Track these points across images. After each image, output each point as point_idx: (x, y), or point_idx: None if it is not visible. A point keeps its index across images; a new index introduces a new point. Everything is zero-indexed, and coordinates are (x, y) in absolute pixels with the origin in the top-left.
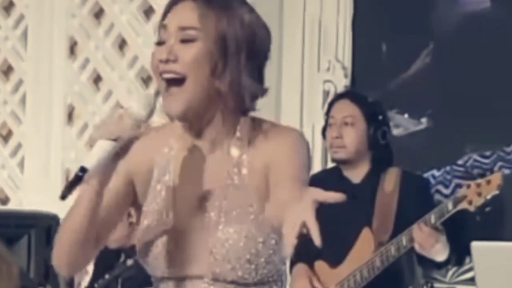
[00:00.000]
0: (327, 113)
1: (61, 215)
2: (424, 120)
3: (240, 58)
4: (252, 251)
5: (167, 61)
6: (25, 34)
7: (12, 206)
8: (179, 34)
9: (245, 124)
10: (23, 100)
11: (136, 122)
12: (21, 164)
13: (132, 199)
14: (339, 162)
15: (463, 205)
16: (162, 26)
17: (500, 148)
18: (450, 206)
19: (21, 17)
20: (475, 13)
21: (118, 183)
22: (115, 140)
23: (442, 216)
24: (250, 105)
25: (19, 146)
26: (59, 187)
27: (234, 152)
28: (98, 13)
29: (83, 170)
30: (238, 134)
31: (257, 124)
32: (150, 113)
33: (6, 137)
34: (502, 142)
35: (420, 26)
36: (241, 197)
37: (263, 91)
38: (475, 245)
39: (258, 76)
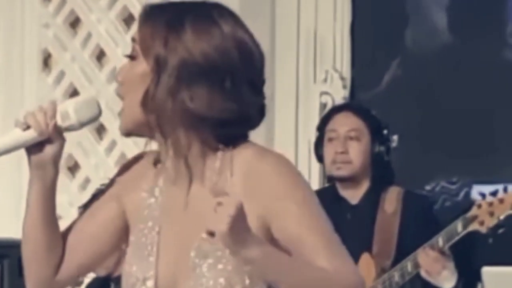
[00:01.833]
0: (322, 127)
1: None
2: (395, 137)
3: (177, 75)
4: None
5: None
6: None
7: None
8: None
9: (223, 157)
10: None
11: (63, 125)
12: None
13: (126, 229)
14: (341, 180)
15: (474, 226)
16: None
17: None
18: (459, 227)
19: None
20: None
21: (109, 214)
22: (25, 130)
23: (451, 238)
24: (216, 134)
25: None
26: None
27: (213, 188)
28: (74, 23)
29: None
30: (209, 174)
31: (236, 154)
32: (86, 119)
33: None
34: (473, 172)
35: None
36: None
37: (237, 117)
38: (487, 270)
39: (219, 90)
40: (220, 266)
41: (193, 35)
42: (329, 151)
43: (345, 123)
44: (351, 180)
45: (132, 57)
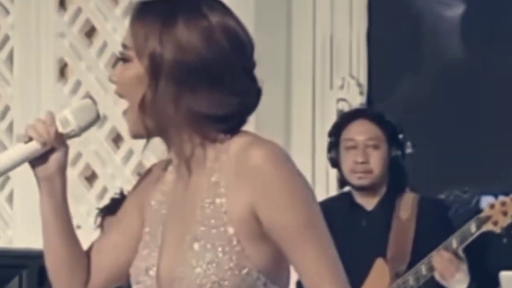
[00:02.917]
0: (337, 134)
1: None
2: (409, 144)
3: (176, 78)
4: None
5: (112, 82)
6: (10, 57)
7: (0, 244)
8: (122, 52)
9: (215, 149)
10: (10, 129)
11: (63, 131)
12: (9, 199)
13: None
14: (361, 189)
15: (488, 227)
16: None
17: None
18: (473, 228)
19: (6, 38)
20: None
21: (132, 222)
22: (27, 143)
23: (464, 240)
24: (217, 125)
25: (7, 179)
26: None
27: (206, 185)
28: (90, 32)
29: None
30: (208, 164)
31: (232, 144)
32: (86, 123)
33: None
34: (486, 182)
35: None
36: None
37: (238, 105)
38: (505, 275)
39: (220, 87)
40: (208, 246)
41: (187, 34)
42: (348, 160)
43: (363, 132)
44: (370, 188)
45: (124, 60)
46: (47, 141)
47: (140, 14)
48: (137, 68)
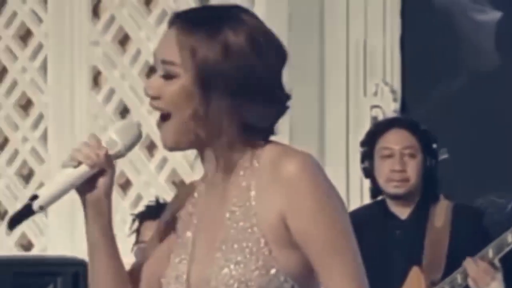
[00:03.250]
0: (371, 143)
1: None
2: (444, 150)
3: (224, 91)
4: None
5: (151, 97)
6: (44, 65)
7: (35, 252)
8: (162, 67)
9: (252, 156)
10: (44, 137)
11: (111, 152)
12: None
13: None
14: (397, 198)
15: None
16: (154, 55)
17: None
18: (510, 238)
19: (40, 47)
20: None
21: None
22: (77, 167)
23: (501, 250)
24: (258, 134)
25: (41, 187)
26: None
27: (238, 189)
28: (123, 40)
29: (34, 197)
30: (241, 171)
31: (265, 152)
32: (130, 143)
33: (27, 178)
34: None
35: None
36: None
37: (267, 119)
38: None
39: (257, 103)
40: (236, 246)
41: (235, 42)
42: (384, 169)
43: (399, 141)
44: (406, 197)
45: (168, 76)
46: (97, 164)
47: (183, 28)
48: (184, 82)
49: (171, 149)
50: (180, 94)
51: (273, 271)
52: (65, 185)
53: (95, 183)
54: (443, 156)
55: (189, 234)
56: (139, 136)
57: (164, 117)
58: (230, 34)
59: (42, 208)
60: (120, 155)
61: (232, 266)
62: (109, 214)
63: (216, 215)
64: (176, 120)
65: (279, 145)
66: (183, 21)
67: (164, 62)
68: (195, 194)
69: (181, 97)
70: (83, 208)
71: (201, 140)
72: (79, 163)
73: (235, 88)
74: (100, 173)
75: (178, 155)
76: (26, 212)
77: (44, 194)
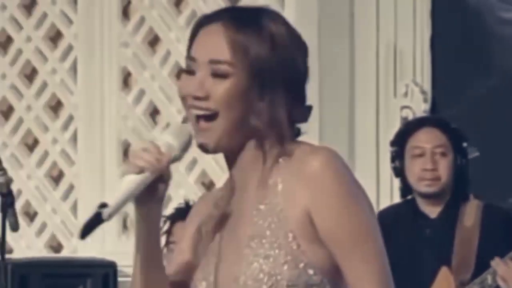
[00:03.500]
0: (402, 143)
1: (119, 262)
2: (475, 149)
3: (276, 86)
4: None
5: (196, 98)
6: (74, 67)
7: (65, 254)
8: (210, 67)
9: (279, 153)
10: (74, 138)
11: (168, 154)
12: (74, 208)
13: None
14: (428, 197)
15: None
16: (189, 57)
17: None
18: None
19: (70, 48)
20: None
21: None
22: (140, 173)
23: None
24: (290, 133)
25: (71, 188)
26: (115, 231)
27: (264, 187)
28: (153, 41)
29: (103, 206)
30: (267, 167)
31: (292, 150)
32: (185, 146)
33: (57, 179)
34: None
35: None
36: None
37: (304, 115)
38: None
39: (298, 98)
40: (264, 241)
41: (279, 37)
42: (415, 168)
43: (430, 140)
44: (437, 196)
45: (219, 75)
46: (158, 170)
47: (229, 26)
48: (238, 80)
49: (216, 150)
50: (234, 92)
51: (301, 264)
52: (130, 192)
53: (154, 189)
54: (474, 154)
55: (215, 236)
56: (191, 138)
57: (209, 118)
58: (273, 29)
59: (110, 216)
60: (176, 159)
61: (261, 261)
62: (159, 220)
63: (242, 214)
64: (225, 120)
65: (304, 143)
66: (227, 20)
67: (213, 61)
68: (218, 199)
69: (234, 96)
70: (137, 215)
71: (245, 139)
72: (141, 170)
73: (284, 82)
74: (158, 178)
75: (208, 156)
76: (96, 221)
77: (112, 202)
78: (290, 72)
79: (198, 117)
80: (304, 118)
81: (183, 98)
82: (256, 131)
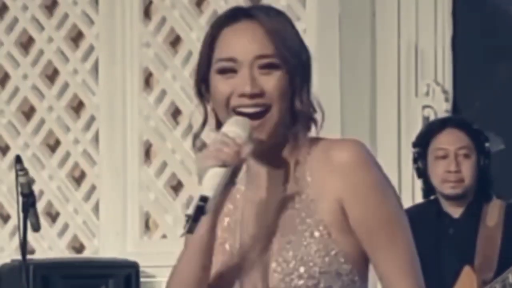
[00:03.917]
0: (424, 144)
1: (141, 263)
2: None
3: (307, 76)
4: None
5: (252, 95)
6: (96, 67)
7: (87, 254)
8: (256, 64)
9: (311, 143)
10: (95, 138)
11: (245, 147)
12: (96, 209)
13: None
14: (452, 198)
15: None
16: (228, 59)
17: None
18: None
19: (91, 49)
20: None
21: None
22: (222, 166)
23: None
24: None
25: (93, 189)
26: (137, 232)
27: (291, 179)
28: (174, 41)
29: (204, 199)
30: (301, 157)
31: (317, 142)
32: (250, 136)
33: (79, 180)
34: None
35: None
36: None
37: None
38: None
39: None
40: (297, 229)
41: (298, 32)
42: (439, 169)
43: (453, 141)
44: (461, 197)
45: (268, 70)
46: (239, 159)
47: (264, 22)
48: (282, 73)
49: (269, 143)
50: (282, 85)
51: (333, 252)
52: (219, 185)
53: (232, 180)
54: (500, 147)
55: (235, 229)
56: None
57: (262, 113)
58: (293, 24)
59: (211, 209)
60: (251, 150)
61: (294, 248)
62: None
63: (266, 207)
64: (277, 112)
65: (323, 138)
66: (259, 15)
67: (260, 57)
68: (234, 191)
69: (283, 88)
70: (212, 206)
71: (286, 129)
72: (224, 163)
73: (309, 74)
74: (236, 170)
75: None
76: (200, 215)
77: (210, 195)
78: (310, 64)
79: (251, 114)
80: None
81: (226, 100)
82: (293, 122)
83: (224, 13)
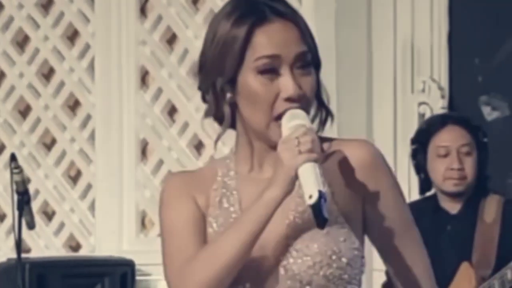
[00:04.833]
0: (424, 141)
1: (137, 261)
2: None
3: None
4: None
5: (299, 97)
6: (91, 65)
7: (83, 253)
8: (296, 61)
9: (323, 141)
10: (92, 137)
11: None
12: (92, 207)
13: None
14: (454, 195)
15: None
16: (271, 56)
17: None
18: None
19: (87, 47)
20: None
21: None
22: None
23: None
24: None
25: (89, 187)
26: (134, 230)
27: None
28: (171, 39)
29: (322, 194)
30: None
31: (329, 141)
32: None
33: (75, 178)
34: None
35: None
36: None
37: None
38: None
39: None
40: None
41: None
42: (440, 167)
43: (455, 139)
44: (462, 195)
45: (306, 69)
46: (321, 158)
47: (291, 19)
48: (315, 72)
49: None
50: (315, 84)
51: (356, 244)
52: (318, 178)
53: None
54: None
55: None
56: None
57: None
58: None
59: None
60: None
61: (322, 239)
62: None
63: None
64: (311, 107)
65: (334, 138)
66: (290, 14)
67: (301, 55)
68: (224, 181)
69: (315, 87)
70: (280, 200)
71: None
72: (315, 160)
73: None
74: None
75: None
76: (323, 209)
77: (323, 190)
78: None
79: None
80: None
81: (271, 103)
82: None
83: (244, 7)
